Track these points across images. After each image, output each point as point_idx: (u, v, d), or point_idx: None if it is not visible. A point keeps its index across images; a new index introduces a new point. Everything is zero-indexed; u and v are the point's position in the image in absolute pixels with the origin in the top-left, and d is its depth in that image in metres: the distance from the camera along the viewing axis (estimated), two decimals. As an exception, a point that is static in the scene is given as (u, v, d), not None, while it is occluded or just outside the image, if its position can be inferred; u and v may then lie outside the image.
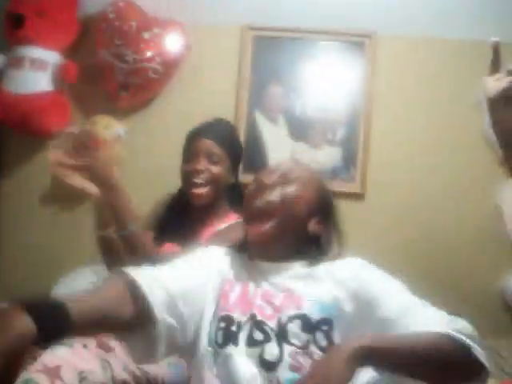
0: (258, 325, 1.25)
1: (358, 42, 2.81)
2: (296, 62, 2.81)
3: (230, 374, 1.20)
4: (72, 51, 2.86)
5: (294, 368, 1.18)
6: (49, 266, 2.88)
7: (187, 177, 1.95)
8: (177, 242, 1.88)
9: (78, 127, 1.71)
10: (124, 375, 1.59)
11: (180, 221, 2.01)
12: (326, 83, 2.80)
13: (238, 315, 1.29)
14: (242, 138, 2.62)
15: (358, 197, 2.75)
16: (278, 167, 1.47)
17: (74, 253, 2.87)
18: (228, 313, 1.30)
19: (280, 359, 1.19)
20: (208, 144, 1.93)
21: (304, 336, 1.22)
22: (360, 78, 2.78)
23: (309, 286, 1.30)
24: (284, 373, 1.18)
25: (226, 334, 1.27)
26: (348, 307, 1.26)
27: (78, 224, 2.87)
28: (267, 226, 1.37)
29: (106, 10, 2.76)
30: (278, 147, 2.78)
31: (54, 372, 1.41)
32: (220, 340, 1.26)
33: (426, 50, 2.80)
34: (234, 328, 1.27)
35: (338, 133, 2.76)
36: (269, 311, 1.28)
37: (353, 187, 2.73)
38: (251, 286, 1.35)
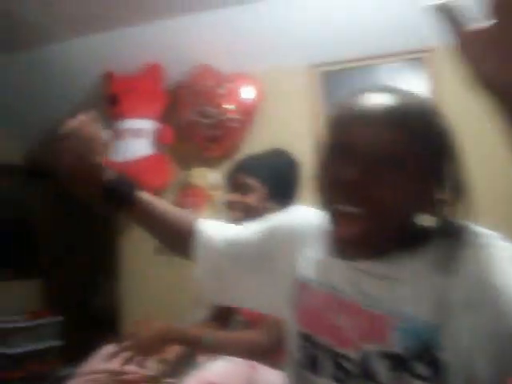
0: (340, 356, 1.02)
1: (419, 58, 2.97)
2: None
3: None
4: (164, 116, 3.24)
5: None
6: (172, 315, 3.19)
7: (226, 207, 2.14)
8: None
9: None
10: None
11: None
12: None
13: (320, 339, 1.05)
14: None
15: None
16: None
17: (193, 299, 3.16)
18: (308, 332, 1.08)
19: None
20: (239, 176, 2.07)
21: (396, 374, 0.96)
22: (425, 91, 2.91)
23: (412, 296, 0.94)
24: None
25: (307, 357, 1.07)
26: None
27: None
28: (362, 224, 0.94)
29: (187, 76, 3.13)
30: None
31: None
32: (301, 360, 1.08)
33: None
34: (315, 353, 1.06)
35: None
36: (352, 337, 1.02)
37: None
38: (337, 294, 1.04)
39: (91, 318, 4.54)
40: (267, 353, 1.78)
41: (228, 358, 1.74)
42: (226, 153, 3.14)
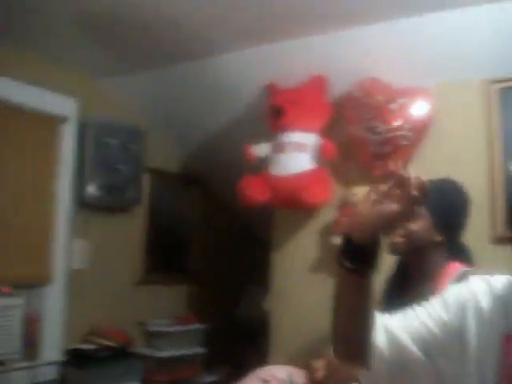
0: None
1: None
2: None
3: None
4: (328, 130, 3.14)
5: None
6: (324, 332, 3.09)
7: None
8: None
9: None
10: None
11: (402, 287, 2.06)
12: None
13: None
14: (499, 193, 2.64)
15: None
16: None
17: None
18: None
19: None
20: None
21: None
22: None
23: None
24: None
25: None
26: None
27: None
28: None
29: (353, 89, 3.00)
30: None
31: None
32: None
33: None
34: None
35: None
36: None
37: None
38: None
39: (236, 329, 4.55)
40: None
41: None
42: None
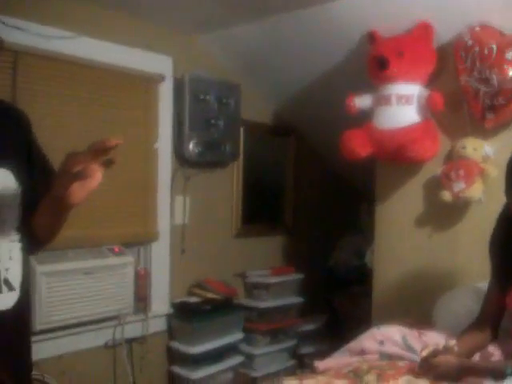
0: None
1: None
2: None
3: None
4: (432, 81, 3.02)
5: None
6: (426, 288, 3.07)
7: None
8: None
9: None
10: None
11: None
12: None
13: None
14: None
15: None
16: None
17: (451, 273, 3.01)
18: None
19: None
20: None
21: None
22: None
23: None
24: None
25: None
26: None
27: (454, 243, 3.02)
28: None
29: (462, 36, 2.85)
30: None
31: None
32: None
33: None
34: None
35: None
36: None
37: None
38: None
39: (332, 278, 4.59)
40: None
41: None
42: (502, 124, 2.85)
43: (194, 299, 3.67)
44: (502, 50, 2.71)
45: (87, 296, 3.04)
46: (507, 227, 2.07)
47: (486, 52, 2.75)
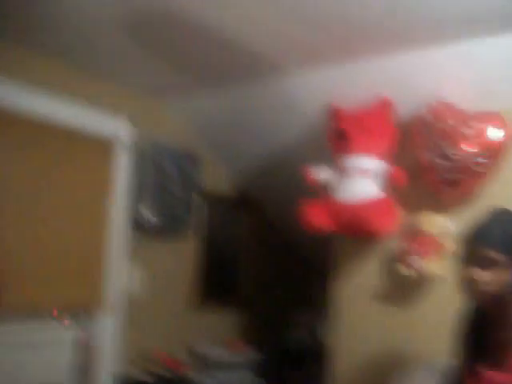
0: None
1: None
2: None
3: None
4: (391, 154, 3.02)
5: None
6: (385, 366, 2.97)
7: (466, 285, 1.88)
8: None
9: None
10: None
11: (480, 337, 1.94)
12: None
13: None
14: None
15: None
16: None
17: (410, 350, 2.92)
18: None
19: None
20: (480, 249, 1.81)
21: None
22: None
23: None
24: None
25: None
26: None
27: (419, 323, 2.94)
28: None
29: (422, 113, 2.87)
30: None
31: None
32: None
33: None
34: None
35: None
36: None
37: None
38: None
39: (288, 355, 4.45)
40: None
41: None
42: (463, 198, 2.85)
43: (140, 373, 3.48)
44: (459, 127, 2.74)
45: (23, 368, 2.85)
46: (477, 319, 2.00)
47: (444, 128, 2.78)
